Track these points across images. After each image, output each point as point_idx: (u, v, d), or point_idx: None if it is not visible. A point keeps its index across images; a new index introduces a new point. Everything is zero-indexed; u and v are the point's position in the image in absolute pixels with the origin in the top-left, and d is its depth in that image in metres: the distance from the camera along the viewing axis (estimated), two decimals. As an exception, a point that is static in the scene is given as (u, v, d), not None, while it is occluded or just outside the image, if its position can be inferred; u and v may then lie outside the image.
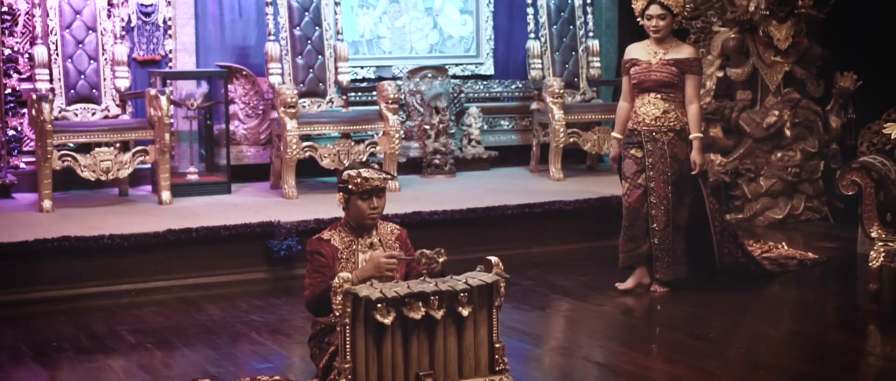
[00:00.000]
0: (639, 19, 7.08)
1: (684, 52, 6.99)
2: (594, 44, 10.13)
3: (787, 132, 9.37)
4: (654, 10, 6.92)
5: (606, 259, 7.50)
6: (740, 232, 7.66)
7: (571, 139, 9.48)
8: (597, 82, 10.19)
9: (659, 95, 6.92)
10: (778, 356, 5.85)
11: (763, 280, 7.31)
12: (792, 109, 9.41)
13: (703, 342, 6.00)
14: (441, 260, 4.70)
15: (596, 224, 8.27)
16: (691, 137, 6.88)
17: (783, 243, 8.33)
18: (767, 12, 9.19)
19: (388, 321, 4.52)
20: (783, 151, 9.40)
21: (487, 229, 8.01)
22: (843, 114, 9.54)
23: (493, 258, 4.78)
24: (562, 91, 9.47)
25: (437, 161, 9.62)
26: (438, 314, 4.60)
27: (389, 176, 4.95)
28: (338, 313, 4.48)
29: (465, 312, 4.66)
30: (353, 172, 4.86)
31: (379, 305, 4.50)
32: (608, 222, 7.93)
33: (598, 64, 10.14)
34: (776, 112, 9.35)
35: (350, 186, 4.86)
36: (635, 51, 7.09)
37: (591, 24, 10.15)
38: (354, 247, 4.92)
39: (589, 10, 10.15)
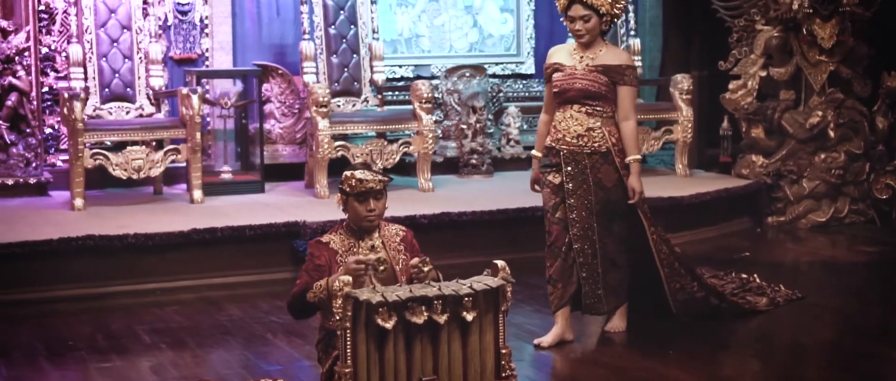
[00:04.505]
0: (562, 20, 6.00)
1: (616, 57, 5.85)
2: (635, 43, 9.98)
3: (831, 133, 9.17)
4: (577, 10, 5.74)
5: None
6: (700, 269, 6.54)
7: (611, 139, 9.33)
8: (639, 82, 10.01)
9: (583, 109, 5.78)
10: (802, 364, 5.71)
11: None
12: (836, 110, 9.21)
13: (724, 350, 5.85)
14: (426, 269, 4.58)
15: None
16: (628, 160, 5.80)
17: (755, 275, 7.08)
18: (811, 10, 9.01)
19: (389, 325, 4.44)
20: (827, 152, 9.21)
21: (518, 231, 7.89)
22: (890, 114, 9.33)
23: (500, 262, 4.68)
24: (600, 90, 9.31)
25: (473, 161, 9.54)
26: (442, 319, 4.52)
27: (386, 178, 4.86)
28: (338, 317, 4.41)
29: (469, 316, 4.58)
30: (348, 174, 4.79)
31: (380, 309, 4.43)
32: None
33: (639, 63, 9.98)
34: (820, 112, 9.16)
35: (346, 188, 4.79)
36: (558, 54, 5.95)
37: (632, 22, 10.00)
38: (355, 249, 4.84)
39: (630, 8, 10.00)
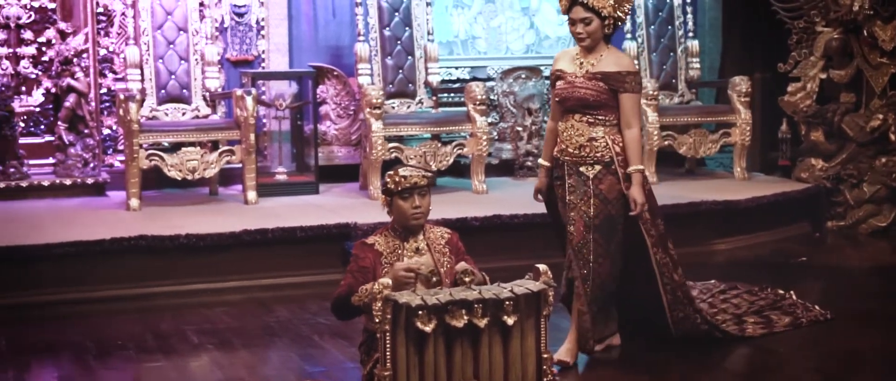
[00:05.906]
0: (566, 22, 5.68)
1: (616, 63, 5.48)
2: (694, 44, 9.88)
3: (892, 136, 9.01)
4: (578, 13, 5.43)
5: (688, 266, 7.21)
6: (733, 285, 6.38)
7: (666, 142, 9.24)
8: (696, 84, 9.93)
9: (584, 118, 5.46)
10: (856, 372, 5.58)
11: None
12: (898, 113, 9.06)
13: (775, 358, 5.73)
14: (468, 280, 4.56)
15: (681, 229, 7.96)
16: (629, 170, 5.41)
17: (791, 292, 6.69)
18: (872, 12, 8.86)
19: (429, 328, 4.42)
20: (888, 156, 9.05)
21: (570, 234, 7.83)
22: (953, 118, 9.15)
23: (542, 266, 4.64)
24: (656, 93, 9.21)
25: (529, 163, 9.50)
26: (482, 323, 4.49)
27: (430, 174, 4.84)
28: (378, 320, 4.41)
29: (510, 321, 4.54)
30: (391, 172, 4.81)
31: (419, 312, 4.41)
32: (694, 227, 7.71)
33: (697, 65, 9.88)
34: (880, 116, 9.00)
35: (390, 186, 4.79)
36: (562, 60, 5.63)
37: (690, 24, 9.89)
38: (400, 252, 4.83)
39: (689, 9, 9.89)
